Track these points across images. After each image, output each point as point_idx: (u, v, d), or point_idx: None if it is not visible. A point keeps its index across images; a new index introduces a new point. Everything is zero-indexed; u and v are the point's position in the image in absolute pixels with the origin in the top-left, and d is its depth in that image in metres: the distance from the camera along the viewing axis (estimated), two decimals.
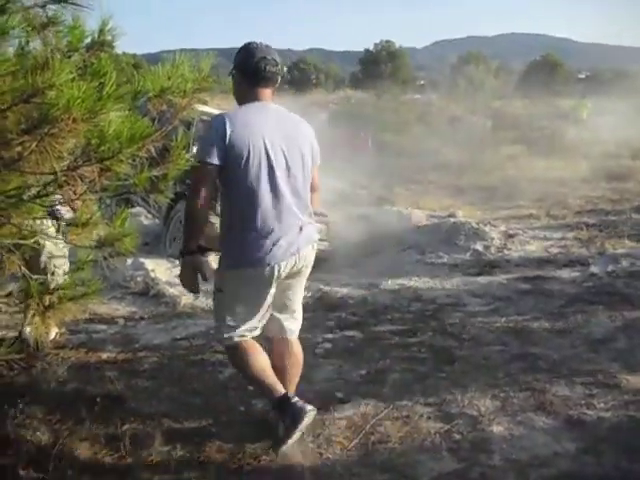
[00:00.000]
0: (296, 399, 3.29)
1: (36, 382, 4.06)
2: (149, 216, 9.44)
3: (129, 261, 6.44)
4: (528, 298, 5.81)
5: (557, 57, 51.49)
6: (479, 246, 7.49)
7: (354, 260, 7.58)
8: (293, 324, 3.50)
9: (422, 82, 53.55)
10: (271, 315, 3.39)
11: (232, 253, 3.22)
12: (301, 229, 3.27)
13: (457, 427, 3.56)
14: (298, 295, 3.50)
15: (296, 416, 3.23)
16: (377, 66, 50.67)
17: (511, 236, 7.97)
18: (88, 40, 2.43)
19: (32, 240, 2.48)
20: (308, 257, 3.36)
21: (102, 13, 2.42)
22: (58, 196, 2.34)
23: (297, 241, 3.23)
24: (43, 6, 2.27)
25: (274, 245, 3.15)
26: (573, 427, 3.54)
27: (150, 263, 6.76)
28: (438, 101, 31.20)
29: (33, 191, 2.25)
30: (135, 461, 3.23)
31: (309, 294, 6.07)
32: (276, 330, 3.47)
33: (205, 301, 5.89)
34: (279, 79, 3.36)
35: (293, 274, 3.32)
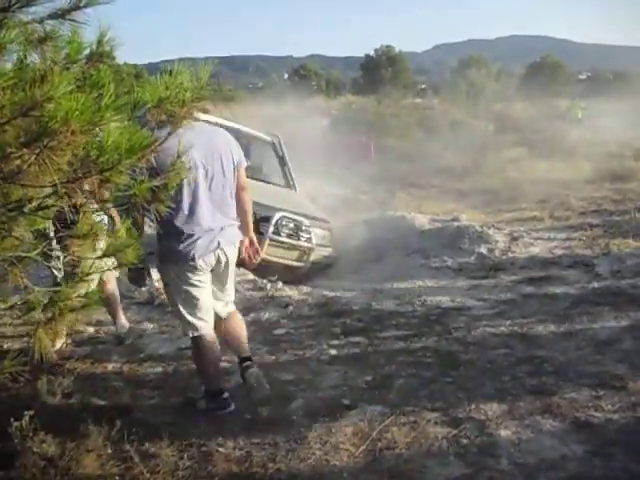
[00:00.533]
0: (227, 394, 4.02)
1: (42, 394, 4.05)
2: (152, 226, 9.44)
3: None
4: (533, 301, 5.79)
5: (557, 58, 51.53)
6: (483, 249, 7.47)
7: (358, 265, 7.59)
8: (225, 307, 4.15)
9: (423, 86, 53.60)
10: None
11: (165, 251, 3.84)
12: (222, 229, 3.85)
13: (464, 432, 3.55)
14: (225, 285, 4.09)
15: (222, 406, 3.97)
16: (378, 71, 50.76)
17: (515, 239, 7.95)
18: (87, 52, 2.43)
19: (34, 252, 2.48)
20: (230, 254, 3.95)
21: (100, 24, 2.43)
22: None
23: (216, 240, 3.81)
24: (41, 22, 2.28)
25: (195, 243, 3.72)
26: (581, 430, 3.52)
27: (154, 273, 6.76)
28: (439, 105, 31.21)
29: (34, 203, 2.25)
30: (142, 472, 3.22)
31: (313, 300, 6.07)
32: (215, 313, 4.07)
33: None
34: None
35: (217, 267, 3.91)
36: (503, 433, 3.53)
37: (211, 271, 3.89)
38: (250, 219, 4.30)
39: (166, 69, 2.31)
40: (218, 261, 3.87)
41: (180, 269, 3.78)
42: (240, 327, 4.22)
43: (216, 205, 3.83)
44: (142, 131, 2.10)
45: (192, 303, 3.83)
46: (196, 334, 3.89)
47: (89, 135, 1.89)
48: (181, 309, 3.86)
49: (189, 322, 3.86)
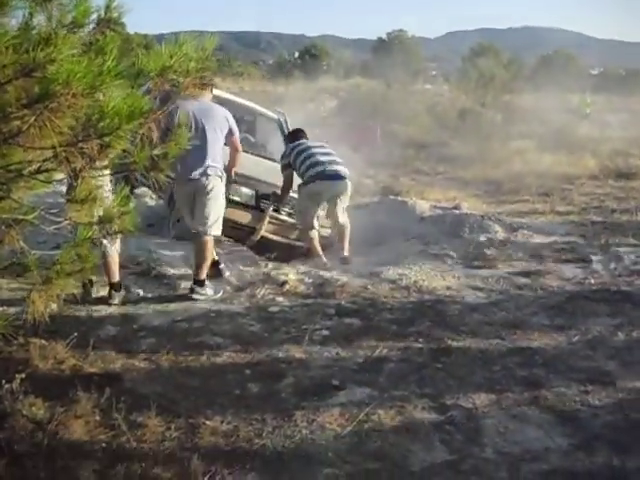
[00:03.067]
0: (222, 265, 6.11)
1: (34, 358, 4.07)
2: (154, 197, 9.43)
3: (132, 241, 6.44)
4: (528, 293, 5.80)
5: (570, 52, 51.08)
6: (482, 239, 7.46)
7: (357, 248, 7.57)
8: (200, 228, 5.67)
9: (434, 73, 53.25)
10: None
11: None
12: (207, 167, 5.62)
13: (451, 418, 3.58)
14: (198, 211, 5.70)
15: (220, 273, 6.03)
16: (389, 55, 50.31)
17: (515, 230, 7.93)
18: (94, 17, 2.41)
19: (32, 216, 2.48)
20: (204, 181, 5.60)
21: None
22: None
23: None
24: None
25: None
26: (566, 423, 3.55)
27: (153, 244, 6.76)
28: (449, 92, 31.07)
29: (34, 167, 2.25)
30: (129, 440, 3.25)
31: (310, 280, 6.07)
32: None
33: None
34: None
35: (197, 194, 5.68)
36: (489, 422, 3.55)
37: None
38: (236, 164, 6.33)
39: (171, 39, 2.30)
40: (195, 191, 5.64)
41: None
42: (197, 251, 5.69)
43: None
44: (143, 98, 2.09)
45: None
46: None
47: (90, 98, 1.88)
48: None
49: None
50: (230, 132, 5.89)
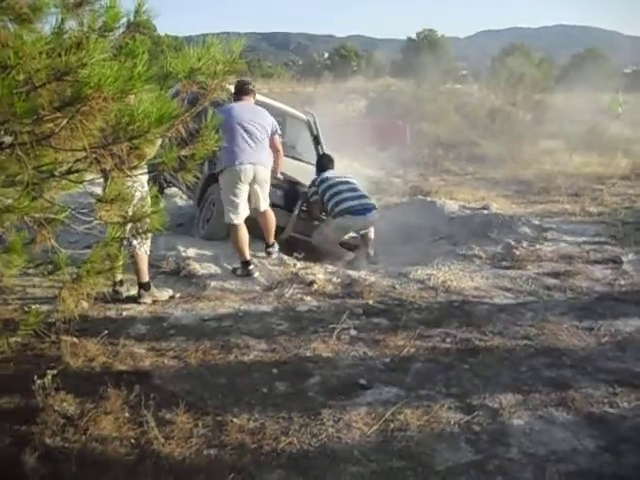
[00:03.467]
0: (252, 266, 6.25)
1: (65, 355, 4.14)
2: (184, 197, 9.53)
3: (162, 241, 6.52)
4: (557, 293, 5.76)
5: (603, 51, 50.46)
6: (511, 239, 7.42)
7: (385, 248, 7.59)
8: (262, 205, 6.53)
9: (464, 72, 52.91)
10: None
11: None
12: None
13: (477, 419, 3.57)
14: (259, 193, 6.44)
15: (250, 273, 6.16)
16: (418, 55, 50.12)
17: (544, 231, 7.88)
18: (124, 21, 2.46)
19: (63, 215, 2.53)
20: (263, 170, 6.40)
21: None
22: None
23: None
24: None
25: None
26: (594, 424, 3.52)
27: (183, 243, 6.83)
28: (478, 92, 30.87)
29: (65, 167, 2.30)
30: (157, 437, 3.29)
31: (338, 280, 6.09)
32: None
33: (234, 283, 5.94)
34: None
35: (253, 181, 6.32)
36: (516, 422, 3.54)
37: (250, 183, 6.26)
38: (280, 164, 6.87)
39: (199, 42, 2.33)
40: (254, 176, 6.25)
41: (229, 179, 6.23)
42: (265, 223, 6.60)
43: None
44: (173, 101, 2.13)
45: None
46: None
47: (121, 102, 1.92)
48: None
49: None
50: (273, 132, 6.59)
